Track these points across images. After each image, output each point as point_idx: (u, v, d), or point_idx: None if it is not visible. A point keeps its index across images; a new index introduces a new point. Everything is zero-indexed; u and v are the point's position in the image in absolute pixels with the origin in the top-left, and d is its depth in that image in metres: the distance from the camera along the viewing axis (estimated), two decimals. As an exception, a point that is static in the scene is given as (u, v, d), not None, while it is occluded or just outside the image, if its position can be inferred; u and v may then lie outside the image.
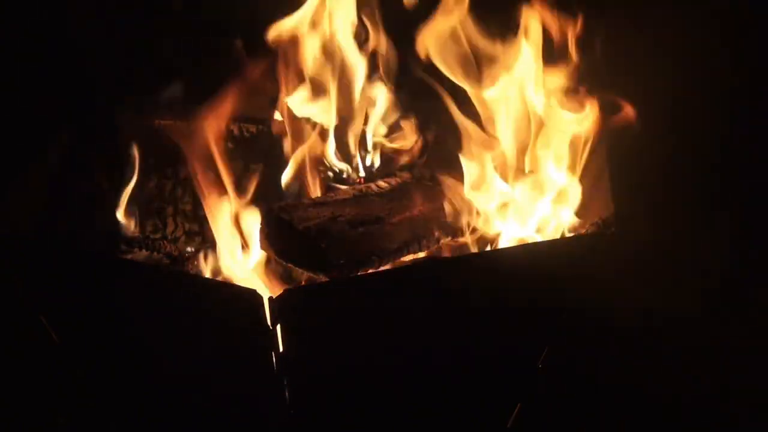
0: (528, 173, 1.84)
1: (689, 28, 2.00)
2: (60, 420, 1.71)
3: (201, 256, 1.79)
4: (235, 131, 1.89)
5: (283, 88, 1.84)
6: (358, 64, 1.84)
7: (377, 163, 1.93)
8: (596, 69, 1.79)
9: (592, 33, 1.79)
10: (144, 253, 1.78)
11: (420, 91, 1.85)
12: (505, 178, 1.81)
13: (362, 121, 1.88)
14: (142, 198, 1.81)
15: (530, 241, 1.78)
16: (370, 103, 1.87)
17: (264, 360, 1.45)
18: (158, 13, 2.06)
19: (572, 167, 1.81)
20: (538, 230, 1.81)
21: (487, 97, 1.81)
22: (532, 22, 1.77)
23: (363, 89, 1.85)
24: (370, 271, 1.63)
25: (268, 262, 1.72)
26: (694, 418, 1.88)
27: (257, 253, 1.71)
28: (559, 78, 1.80)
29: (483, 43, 1.79)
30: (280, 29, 1.80)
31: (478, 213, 1.80)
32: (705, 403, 1.90)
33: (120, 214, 1.79)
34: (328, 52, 1.83)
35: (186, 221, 1.86)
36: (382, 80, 1.87)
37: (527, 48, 1.78)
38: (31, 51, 1.99)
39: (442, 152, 1.90)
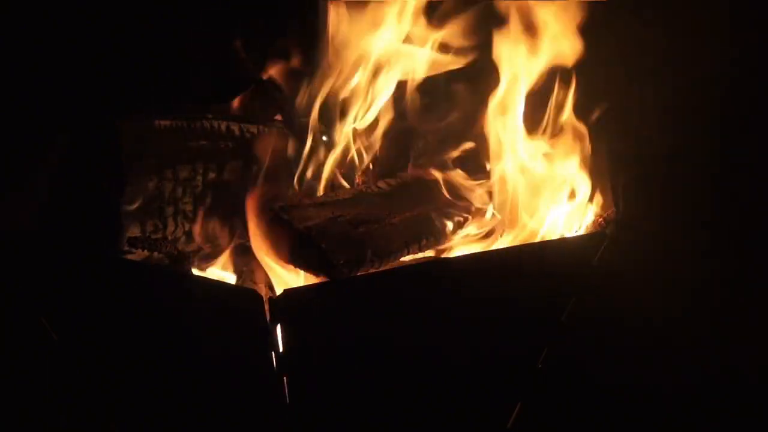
0: (529, 173, 1.84)
1: (688, 29, 2.00)
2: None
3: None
4: (236, 131, 1.89)
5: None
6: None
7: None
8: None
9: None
10: (144, 253, 1.78)
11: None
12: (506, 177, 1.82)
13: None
14: (142, 198, 1.81)
15: (530, 241, 1.78)
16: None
17: (264, 360, 1.45)
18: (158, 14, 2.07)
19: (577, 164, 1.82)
20: (540, 230, 1.81)
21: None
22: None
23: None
24: (370, 271, 1.63)
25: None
26: (695, 417, 1.88)
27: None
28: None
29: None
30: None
31: (478, 213, 1.81)
32: (705, 402, 1.90)
33: (120, 215, 1.79)
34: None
35: (186, 221, 1.85)
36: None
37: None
38: (32, 50, 2.00)
39: (442, 153, 1.91)
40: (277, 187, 1.78)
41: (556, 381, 1.78)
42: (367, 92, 1.88)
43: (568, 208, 1.80)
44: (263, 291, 1.68)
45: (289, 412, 1.50)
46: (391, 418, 1.61)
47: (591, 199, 1.78)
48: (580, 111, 1.81)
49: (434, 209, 1.77)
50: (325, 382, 1.53)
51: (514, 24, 1.79)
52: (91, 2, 2.04)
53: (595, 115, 1.80)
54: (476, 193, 1.82)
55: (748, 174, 2.11)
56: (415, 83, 1.87)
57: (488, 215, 1.82)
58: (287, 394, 1.48)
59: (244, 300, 1.43)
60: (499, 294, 1.59)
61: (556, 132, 1.82)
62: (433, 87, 1.89)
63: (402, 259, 1.71)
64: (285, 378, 1.47)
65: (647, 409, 1.90)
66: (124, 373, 1.67)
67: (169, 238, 1.82)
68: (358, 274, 1.61)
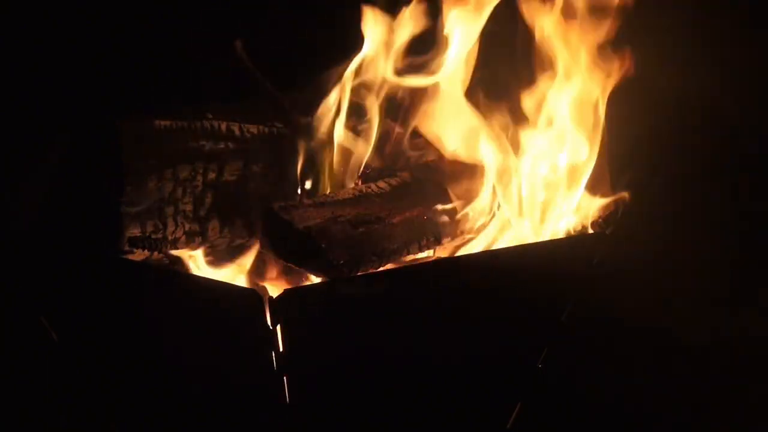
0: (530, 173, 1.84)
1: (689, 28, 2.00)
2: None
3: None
4: (236, 131, 1.89)
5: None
6: None
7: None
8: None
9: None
10: (144, 253, 1.78)
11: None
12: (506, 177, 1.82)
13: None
14: (142, 198, 1.81)
15: (530, 240, 1.78)
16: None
17: (264, 360, 1.45)
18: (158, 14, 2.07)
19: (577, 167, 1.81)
20: (540, 229, 1.81)
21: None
22: None
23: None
24: (370, 271, 1.63)
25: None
26: (695, 417, 1.88)
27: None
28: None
29: None
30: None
31: (478, 212, 1.81)
32: (705, 402, 1.90)
33: (120, 215, 1.79)
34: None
35: (186, 221, 1.85)
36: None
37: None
38: (32, 50, 2.00)
39: (440, 152, 1.91)
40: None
41: (556, 381, 1.78)
42: (369, 92, 1.88)
43: (568, 207, 1.80)
44: (263, 290, 1.68)
45: (289, 412, 1.50)
46: (391, 418, 1.61)
47: (592, 199, 1.78)
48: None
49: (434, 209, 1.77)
50: (325, 382, 1.53)
51: None
52: (91, 2, 2.04)
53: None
54: (477, 192, 1.82)
55: (749, 174, 2.11)
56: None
57: (489, 215, 1.82)
58: (287, 394, 1.48)
59: (244, 300, 1.44)
60: (499, 294, 1.59)
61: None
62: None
63: (402, 259, 1.71)
64: (285, 378, 1.47)
65: (647, 410, 1.90)
66: (124, 373, 1.67)
67: (169, 238, 1.82)
68: (358, 274, 1.61)
